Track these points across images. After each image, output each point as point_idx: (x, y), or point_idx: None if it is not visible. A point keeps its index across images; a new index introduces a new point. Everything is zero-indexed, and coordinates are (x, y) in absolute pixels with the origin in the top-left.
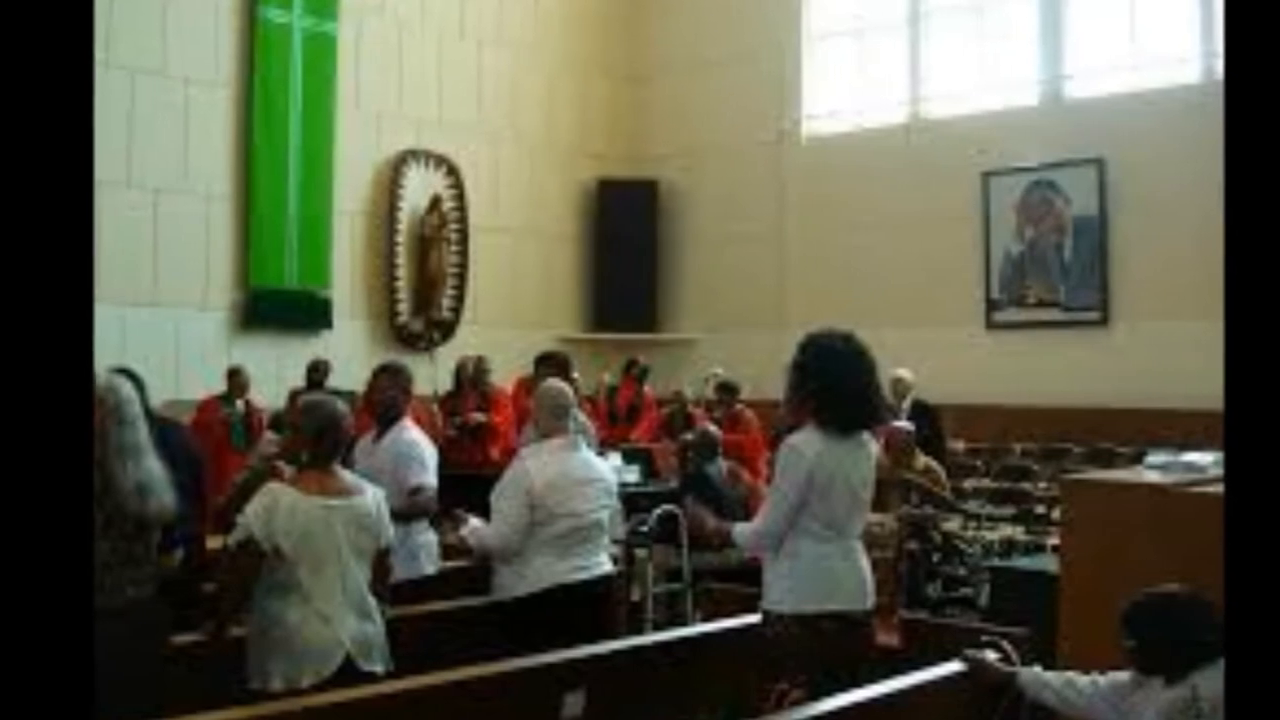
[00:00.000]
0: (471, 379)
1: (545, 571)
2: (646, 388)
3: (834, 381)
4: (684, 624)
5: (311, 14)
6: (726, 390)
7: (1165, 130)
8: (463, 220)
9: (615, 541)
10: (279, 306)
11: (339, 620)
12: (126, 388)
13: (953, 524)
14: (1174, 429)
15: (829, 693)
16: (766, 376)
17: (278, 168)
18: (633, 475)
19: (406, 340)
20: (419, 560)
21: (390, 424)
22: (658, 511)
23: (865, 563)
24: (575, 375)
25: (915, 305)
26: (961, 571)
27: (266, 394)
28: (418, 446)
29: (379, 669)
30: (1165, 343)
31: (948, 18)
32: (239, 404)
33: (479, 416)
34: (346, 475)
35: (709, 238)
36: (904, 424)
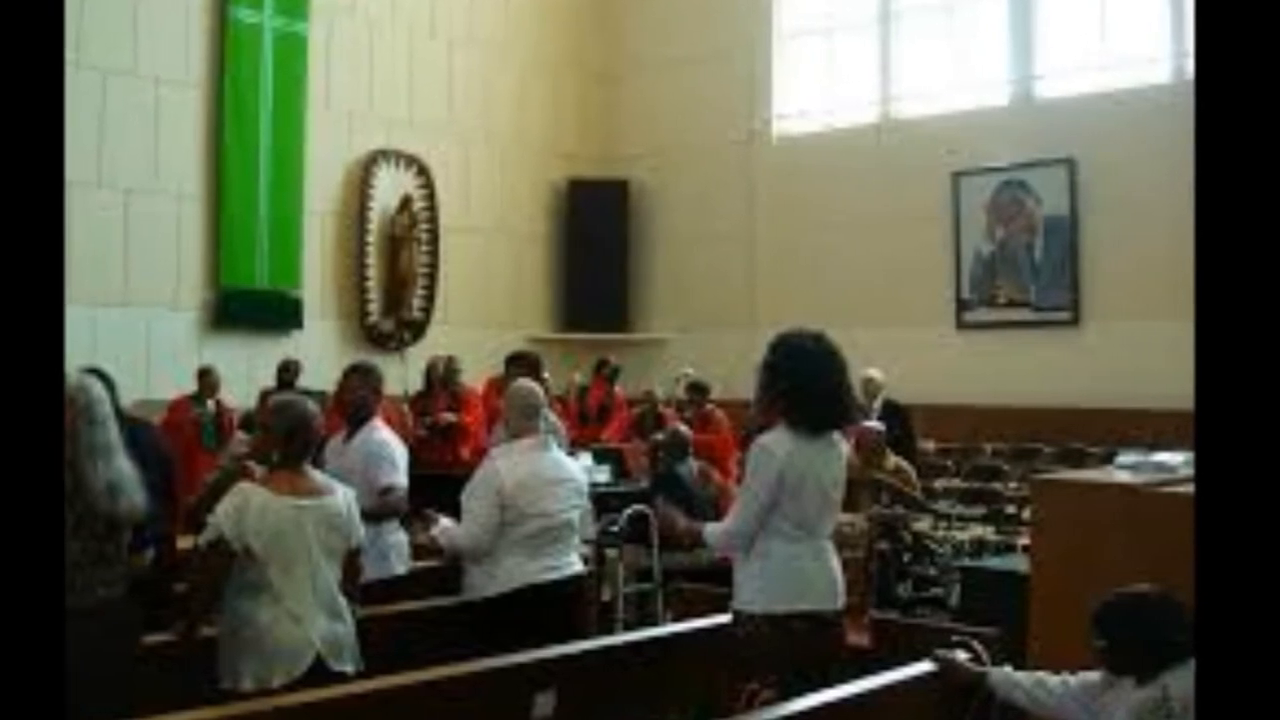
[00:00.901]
0: (442, 379)
1: (516, 571)
2: (617, 388)
3: (805, 381)
4: (655, 624)
5: (282, 14)
6: (697, 390)
7: (1136, 130)
8: (433, 220)
9: (586, 541)
10: (250, 306)
11: (310, 620)
12: (97, 388)
13: (923, 524)
14: (1144, 429)
15: (800, 693)
16: (737, 376)
17: (248, 168)
18: (603, 475)
19: (377, 340)
20: (389, 560)
21: (361, 424)
22: (628, 511)
23: (836, 563)
24: (546, 375)
25: (886, 305)
26: (932, 571)
27: (237, 394)
28: (388, 446)
29: (349, 669)
30: (1136, 343)
31: (918, 17)
32: (210, 404)
33: (449, 416)
34: (317, 475)
35: (680, 237)
36: (875, 424)
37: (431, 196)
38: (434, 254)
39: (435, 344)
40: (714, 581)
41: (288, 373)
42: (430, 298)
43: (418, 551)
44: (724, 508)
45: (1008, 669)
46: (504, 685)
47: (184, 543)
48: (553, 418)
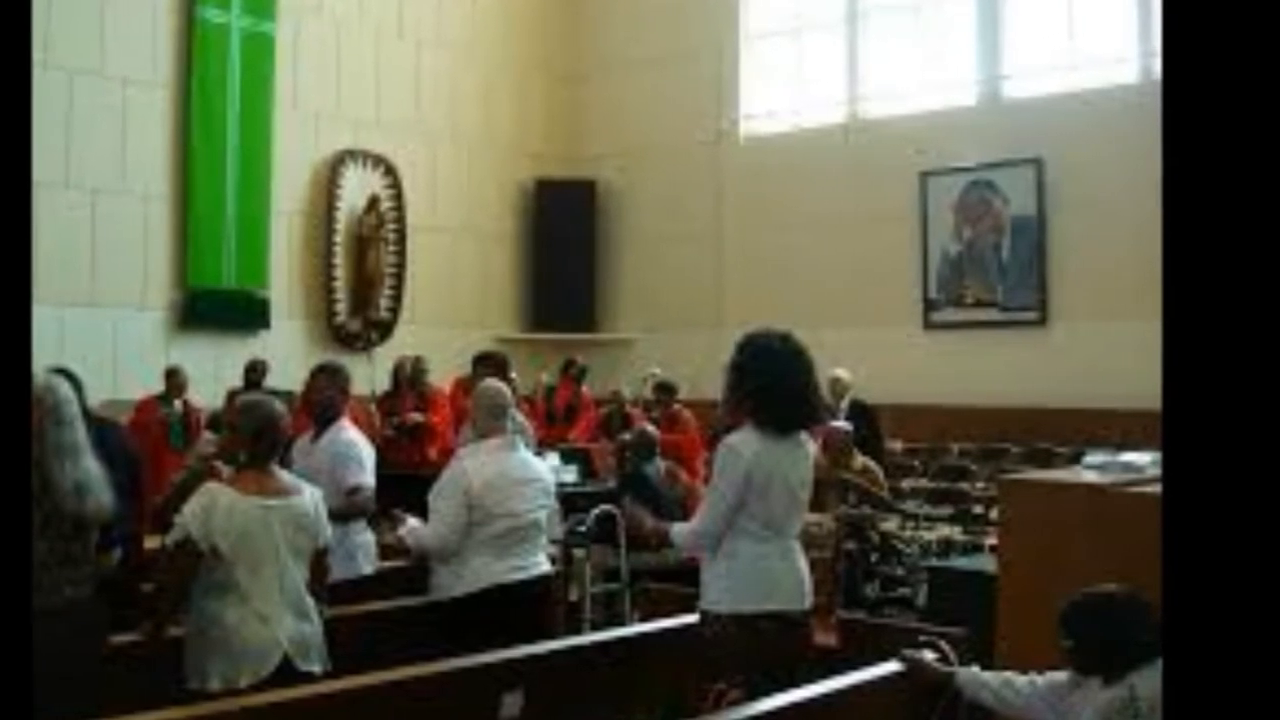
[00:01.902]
0: (409, 379)
1: (483, 571)
2: (584, 388)
3: (772, 381)
4: (622, 624)
5: (249, 14)
6: (664, 390)
7: (1103, 130)
8: (400, 220)
9: (553, 541)
10: (217, 306)
11: (277, 620)
12: (64, 388)
13: (891, 524)
14: (1112, 429)
15: (767, 693)
16: (704, 376)
17: (216, 168)
18: (570, 475)
19: (344, 340)
20: (357, 560)
21: (328, 424)
22: (595, 511)
23: (803, 563)
24: (513, 375)
25: (853, 305)
26: (899, 571)
27: (204, 394)
28: (355, 446)
29: (317, 669)
30: (1103, 343)
31: (886, 17)
32: (177, 404)
33: (417, 416)
34: (284, 475)
35: (647, 238)
36: (842, 424)
37: (399, 196)
38: (401, 254)
39: (402, 344)
40: (681, 581)
41: (255, 373)
42: (397, 297)
43: (385, 551)
44: (691, 508)
45: (975, 669)
46: (471, 685)
47: (151, 543)
48: (520, 418)
